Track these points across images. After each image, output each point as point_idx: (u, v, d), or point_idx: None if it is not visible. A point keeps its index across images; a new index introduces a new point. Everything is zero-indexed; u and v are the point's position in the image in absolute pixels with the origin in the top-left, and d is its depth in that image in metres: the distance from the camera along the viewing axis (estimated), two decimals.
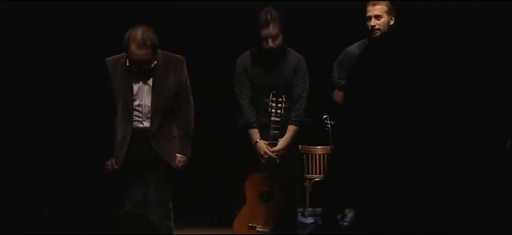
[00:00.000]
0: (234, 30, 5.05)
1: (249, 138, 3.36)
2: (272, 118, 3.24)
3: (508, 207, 1.42)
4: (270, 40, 3.31)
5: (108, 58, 3.45)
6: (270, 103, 3.27)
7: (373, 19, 3.64)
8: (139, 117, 3.31)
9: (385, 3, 3.69)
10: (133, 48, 3.18)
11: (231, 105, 3.57)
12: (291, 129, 3.39)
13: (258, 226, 3.27)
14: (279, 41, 3.34)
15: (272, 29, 3.31)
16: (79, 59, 7.17)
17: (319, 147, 5.16)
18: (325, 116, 3.96)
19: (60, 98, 7.01)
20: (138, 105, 3.30)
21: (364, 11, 3.70)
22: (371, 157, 1.38)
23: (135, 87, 3.32)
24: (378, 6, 3.64)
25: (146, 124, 3.30)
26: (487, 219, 1.37)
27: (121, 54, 3.38)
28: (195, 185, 3.91)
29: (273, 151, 3.27)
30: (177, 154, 3.31)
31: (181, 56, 3.41)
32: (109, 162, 3.27)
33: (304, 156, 5.05)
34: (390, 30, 3.68)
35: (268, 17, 3.35)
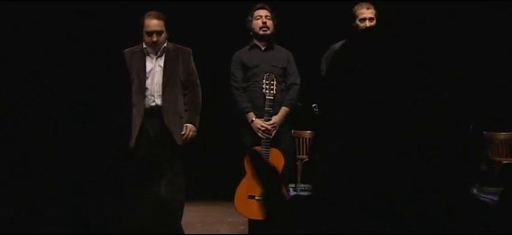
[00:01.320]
0: (234, 31, 5.14)
1: (245, 120, 3.77)
2: (266, 97, 3.75)
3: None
4: (264, 17, 3.82)
5: (126, 49, 3.77)
6: (264, 83, 3.72)
7: (367, 20, 4.08)
8: (152, 95, 3.68)
9: (373, 6, 4.12)
10: (147, 20, 3.68)
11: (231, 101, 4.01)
12: (283, 109, 3.93)
13: (256, 196, 3.76)
14: (270, 23, 3.87)
15: (264, 11, 3.88)
16: (79, 59, 7.20)
17: (309, 131, 5.49)
18: (314, 104, 4.21)
19: (60, 98, 7.01)
20: (151, 84, 3.68)
21: (353, 13, 4.14)
22: (354, 151, 1.39)
23: (148, 67, 3.72)
24: (370, 10, 4.07)
25: (158, 102, 3.68)
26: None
27: (136, 45, 3.74)
28: (201, 166, 4.09)
29: (268, 124, 3.65)
30: (187, 124, 3.63)
31: (188, 48, 3.85)
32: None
33: (296, 139, 5.34)
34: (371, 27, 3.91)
35: (262, 5, 3.92)
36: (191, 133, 3.72)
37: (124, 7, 6.92)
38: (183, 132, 3.71)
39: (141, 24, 3.57)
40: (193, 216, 3.67)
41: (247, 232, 3.87)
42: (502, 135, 5.22)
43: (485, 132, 5.15)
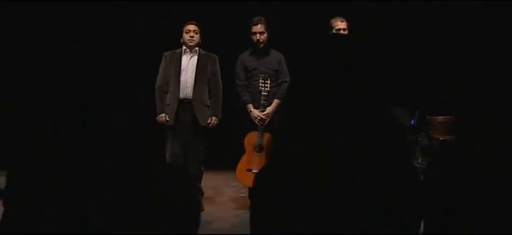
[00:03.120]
0: (236, 35, 5.40)
1: (246, 110, 4.75)
2: (262, 93, 4.68)
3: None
4: (258, 34, 4.77)
5: (166, 52, 4.86)
6: (260, 82, 4.68)
7: (342, 31, 4.78)
8: (185, 86, 4.72)
9: (345, 20, 4.80)
10: (187, 25, 4.74)
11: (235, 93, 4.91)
12: (275, 101, 4.77)
13: (253, 169, 4.60)
14: (264, 36, 4.78)
15: (260, 27, 4.78)
16: (79, 59, 7.18)
17: None
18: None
19: (60, 98, 6.98)
20: (185, 79, 4.73)
21: (330, 24, 4.78)
22: (352, 151, 1.40)
23: (184, 64, 4.77)
24: (344, 22, 4.77)
25: (189, 92, 4.72)
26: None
27: (177, 49, 4.82)
28: (212, 142, 4.94)
29: (263, 115, 4.68)
30: (212, 116, 4.74)
31: (215, 55, 4.86)
32: (162, 116, 4.70)
33: None
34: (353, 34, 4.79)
35: (258, 19, 4.80)
36: (215, 122, 4.77)
37: (124, 7, 6.94)
38: (208, 121, 4.74)
39: (182, 31, 4.80)
40: (205, 181, 4.89)
41: (247, 195, 4.88)
42: (439, 118, 6.73)
43: (427, 117, 6.62)
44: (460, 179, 1.50)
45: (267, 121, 4.70)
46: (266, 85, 4.67)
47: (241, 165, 4.68)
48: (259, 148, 4.64)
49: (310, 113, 1.48)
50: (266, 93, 4.65)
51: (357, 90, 1.41)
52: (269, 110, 4.70)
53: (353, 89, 1.44)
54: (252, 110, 4.72)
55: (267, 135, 4.64)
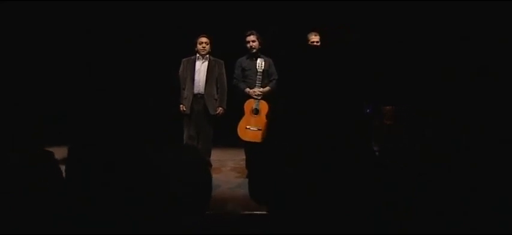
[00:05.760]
0: (236, 41, 6.15)
1: (243, 92, 5.96)
2: (258, 70, 5.83)
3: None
4: (250, 42, 6.04)
5: (184, 58, 6.07)
6: (258, 63, 5.84)
7: (315, 43, 6.01)
8: (198, 84, 6.00)
9: (319, 34, 6.00)
10: (200, 37, 5.96)
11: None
12: (267, 88, 5.98)
13: (250, 128, 5.81)
14: (255, 44, 6.04)
15: (252, 37, 6.05)
16: (79, 59, 7.20)
17: None
18: None
19: (61, 97, 7.01)
20: (198, 78, 6.02)
21: (307, 38, 5.97)
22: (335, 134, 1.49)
23: (198, 67, 6.05)
24: (317, 36, 5.98)
25: (201, 89, 6.01)
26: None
27: (192, 55, 6.06)
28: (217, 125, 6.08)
29: (258, 90, 5.90)
30: (218, 107, 6.05)
31: (222, 60, 6.13)
32: (181, 106, 5.93)
33: None
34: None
35: (251, 32, 6.05)
36: (221, 111, 6.04)
37: (124, 7, 6.97)
38: (216, 111, 6.00)
39: (195, 42, 5.98)
40: (213, 156, 6.25)
41: (244, 166, 6.06)
42: (388, 107, 8.04)
43: (379, 106, 7.94)
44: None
45: (261, 97, 5.97)
46: (261, 66, 5.91)
47: (242, 124, 5.84)
48: (255, 111, 5.92)
49: (299, 107, 1.61)
50: (261, 71, 5.88)
51: (347, 87, 1.53)
52: (262, 89, 6.00)
53: (345, 86, 1.54)
54: (249, 90, 5.97)
55: (262, 102, 5.94)
